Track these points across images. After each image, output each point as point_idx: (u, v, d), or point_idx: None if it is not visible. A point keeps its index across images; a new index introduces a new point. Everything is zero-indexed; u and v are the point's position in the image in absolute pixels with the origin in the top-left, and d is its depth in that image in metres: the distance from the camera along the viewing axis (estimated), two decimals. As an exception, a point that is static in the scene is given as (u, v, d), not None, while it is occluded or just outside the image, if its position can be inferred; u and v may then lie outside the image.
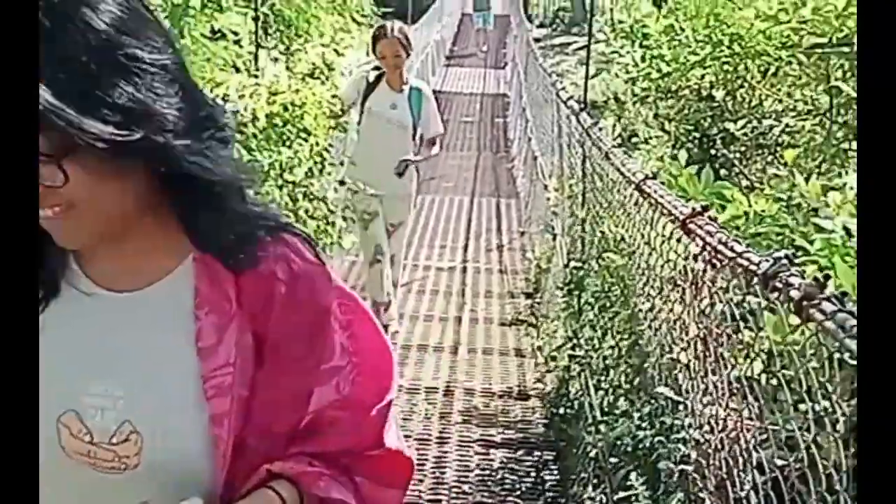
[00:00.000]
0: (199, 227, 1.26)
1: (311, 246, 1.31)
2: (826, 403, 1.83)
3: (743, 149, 5.09)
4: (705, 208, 2.30)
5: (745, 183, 4.37)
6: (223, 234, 1.25)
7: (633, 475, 2.81)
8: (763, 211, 3.50)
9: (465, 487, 4.84)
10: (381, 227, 6.26)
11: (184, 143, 1.17)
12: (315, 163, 5.99)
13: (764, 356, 2.30)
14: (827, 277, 1.52)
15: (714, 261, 2.11)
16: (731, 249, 1.95)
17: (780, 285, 1.60)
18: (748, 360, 2.30)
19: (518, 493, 4.79)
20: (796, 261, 1.80)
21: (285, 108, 5.25)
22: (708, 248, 2.12)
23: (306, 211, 5.81)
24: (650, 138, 5.25)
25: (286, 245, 1.28)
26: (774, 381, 2.27)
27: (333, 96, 6.38)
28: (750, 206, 3.54)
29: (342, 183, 6.35)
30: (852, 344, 1.28)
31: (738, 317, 2.22)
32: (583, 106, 5.52)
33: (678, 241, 2.51)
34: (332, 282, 1.29)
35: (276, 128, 5.21)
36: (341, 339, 1.29)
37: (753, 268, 1.75)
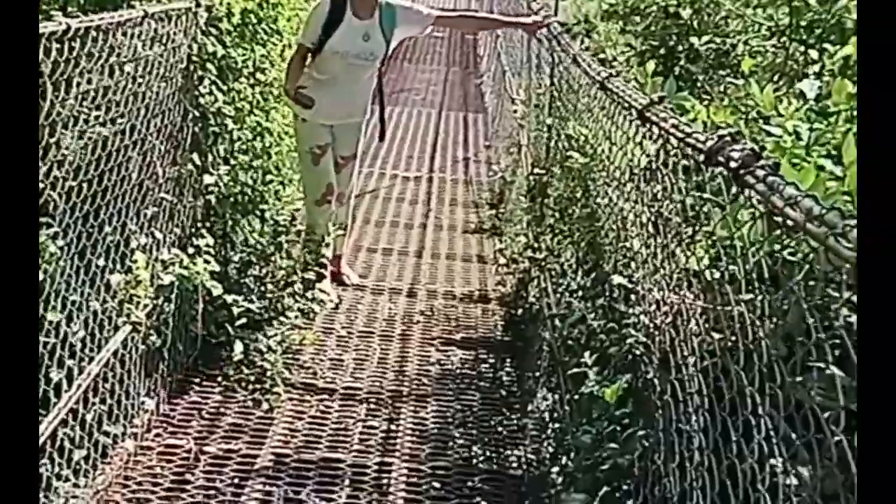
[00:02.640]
0: None
1: None
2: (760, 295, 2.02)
3: (706, 66, 5.24)
4: (661, 98, 2.46)
5: (706, 98, 4.53)
6: None
7: (585, 354, 3.01)
8: (721, 122, 3.66)
9: (425, 380, 5.07)
10: (332, 162, 5.70)
11: None
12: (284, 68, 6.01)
13: (708, 251, 2.49)
14: (763, 149, 1.69)
15: (668, 145, 2.28)
16: (682, 132, 2.11)
17: (722, 159, 1.78)
18: (692, 256, 2.48)
19: (475, 388, 5.01)
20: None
21: (260, 6, 5.29)
22: (662, 132, 2.29)
23: (275, 109, 5.89)
24: (617, 55, 5.38)
25: None
26: (718, 274, 2.46)
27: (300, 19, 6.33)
28: (709, 116, 3.71)
29: None
30: (778, 201, 1.46)
31: (687, 206, 2.41)
32: (553, 13, 5.64)
33: (636, 129, 2.67)
34: None
35: (250, 25, 5.26)
36: None
37: (700, 146, 1.93)
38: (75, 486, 3.55)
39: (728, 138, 1.82)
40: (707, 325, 2.35)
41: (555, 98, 5.10)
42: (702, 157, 1.92)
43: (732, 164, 1.71)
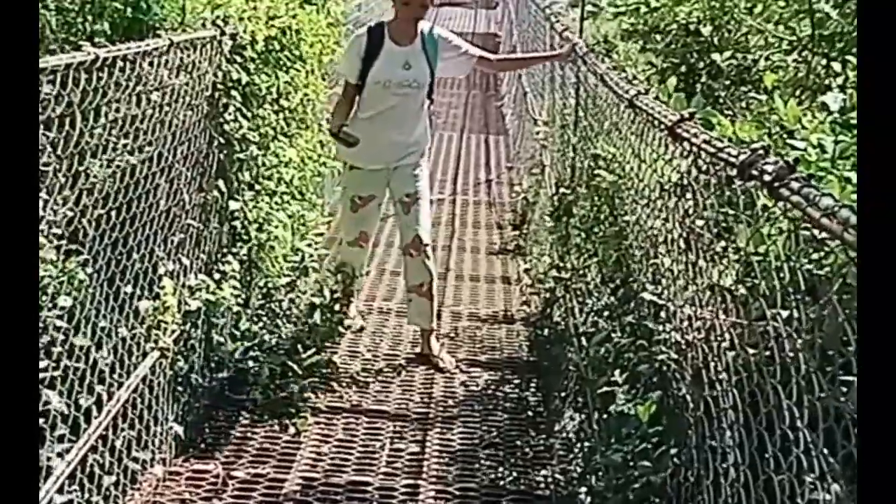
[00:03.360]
0: None
1: None
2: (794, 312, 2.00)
3: (728, 82, 5.24)
4: (692, 115, 2.45)
5: (729, 114, 4.52)
6: None
7: (616, 372, 2.99)
8: (747, 137, 3.66)
9: (451, 402, 5.05)
10: (376, 212, 5.50)
11: None
12: (307, 94, 6.04)
13: (740, 267, 2.48)
14: (797, 161, 1.69)
15: (699, 161, 2.27)
16: (714, 146, 2.11)
17: (755, 172, 1.77)
18: (724, 271, 2.47)
19: (501, 409, 4.99)
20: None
21: (284, 33, 5.33)
22: (693, 148, 2.29)
23: (299, 135, 5.92)
24: (638, 73, 5.39)
25: None
26: (746, 291, 2.45)
27: (329, 25, 6.40)
28: (734, 132, 3.70)
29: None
30: (815, 212, 1.45)
31: (718, 222, 2.40)
32: (578, 35, 5.65)
33: (666, 147, 2.67)
34: None
35: (274, 52, 5.30)
36: None
37: (733, 160, 1.92)
38: (106, 512, 3.55)
39: (761, 151, 1.82)
40: (741, 340, 2.33)
41: (580, 117, 5.10)
42: (734, 172, 1.92)
43: (766, 178, 1.71)
